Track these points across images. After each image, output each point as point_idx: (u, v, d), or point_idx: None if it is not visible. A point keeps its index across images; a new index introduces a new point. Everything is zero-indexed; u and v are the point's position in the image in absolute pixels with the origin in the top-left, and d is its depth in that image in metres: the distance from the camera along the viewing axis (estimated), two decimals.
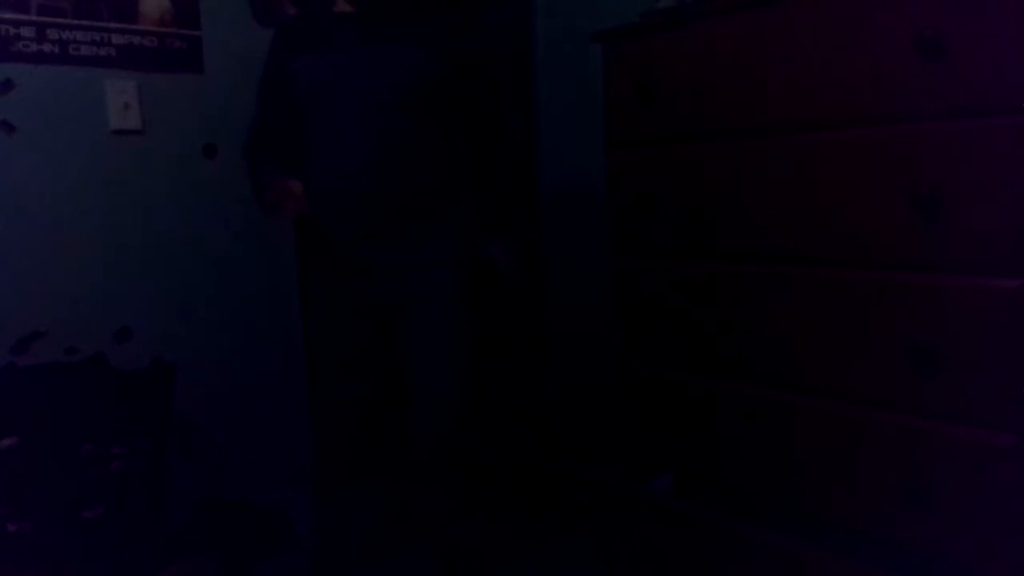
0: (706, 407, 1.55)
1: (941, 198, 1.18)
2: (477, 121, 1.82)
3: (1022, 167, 1.10)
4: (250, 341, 2.16)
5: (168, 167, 2.00)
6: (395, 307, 1.74)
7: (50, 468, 1.58)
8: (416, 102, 1.66)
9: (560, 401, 2.58)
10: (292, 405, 2.25)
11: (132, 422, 1.68)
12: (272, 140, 1.81)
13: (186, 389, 1.92)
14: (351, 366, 1.78)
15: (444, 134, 1.74)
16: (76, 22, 1.85)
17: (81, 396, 1.67)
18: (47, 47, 1.82)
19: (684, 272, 1.57)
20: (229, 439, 2.12)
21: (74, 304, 1.88)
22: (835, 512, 1.36)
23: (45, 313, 1.85)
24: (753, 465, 1.48)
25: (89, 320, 1.90)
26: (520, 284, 1.82)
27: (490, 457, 2.45)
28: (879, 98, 1.24)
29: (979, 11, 1.12)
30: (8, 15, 1.77)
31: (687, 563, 1.58)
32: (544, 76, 2.52)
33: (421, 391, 1.76)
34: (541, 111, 2.54)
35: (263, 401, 2.19)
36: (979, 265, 1.16)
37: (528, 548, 2.16)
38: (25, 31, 1.79)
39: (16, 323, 1.82)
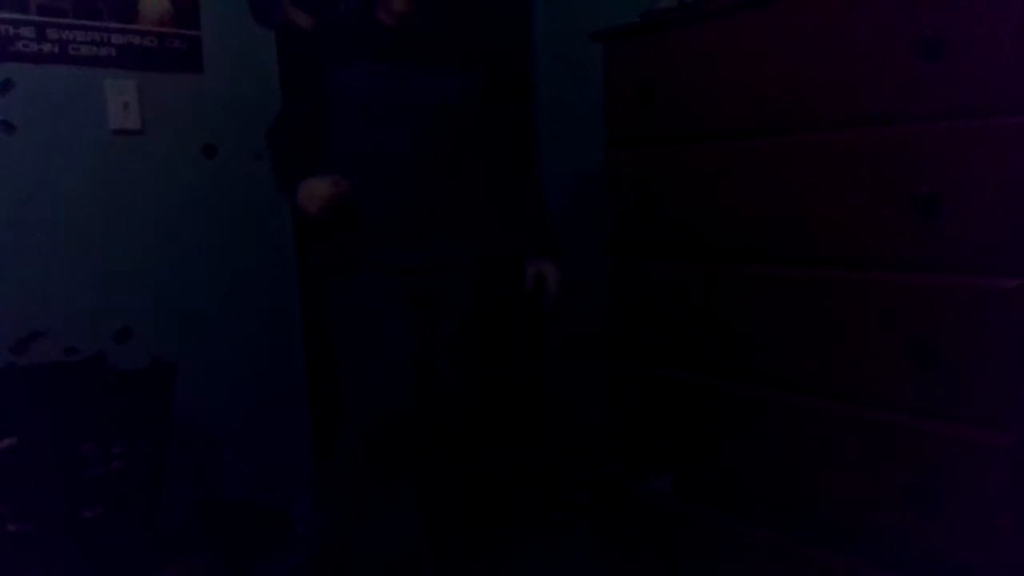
0: (706, 407, 1.55)
1: (941, 198, 1.18)
2: (505, 133, 1.85)
3: (1022, 167, 1.11)
4: (250, 341, 2.16)
5: (168, 167, 2.00)
6: (426, 300, 1.73)
7: (50, 468, 1.58)
8: (455, 119, 1.68)
9: (560, 401, 2.58)
10: (292, 405, 2.25)
11: (132, 422, 1.68)
12: (296, 135, 1.74)
13: (186, 389, 1.92)
14: (397, 365, 1.66)
15: (476, 148, 1.77)
16: (76, 22, 1.85)
17: (81, 396, 1.67)
18: (47, 47, 1.82)
19: (684, 272, 1.57)
20: (229, 439, 2.12)
21: (74, 304, 1.88)
22: (835, 512, 1.36)
23: (45, 313, 1.85)
24: (753, 465, 1.48)
25: (89, 320, 1.90)
26: (562, 303, 1.80)
27: (489, 457, 2.45)
28: (879, 98, 1.24)
29: (979, 11, 1.12)
30: (8, 15, 1.77)
31: (687, 563, 1.58)
32: (544, 76, 2.52)
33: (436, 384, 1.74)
34: (541, 111, 2.54)
35: (263, 401, 2.19)
36: (979, 265, 1.16)
37: (528, 549, 2.16)
38: (25, 31, 1.79)
39: (16, 323, 1.82)
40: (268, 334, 2.19)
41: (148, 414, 1.72)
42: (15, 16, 1.78)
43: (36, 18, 1.80)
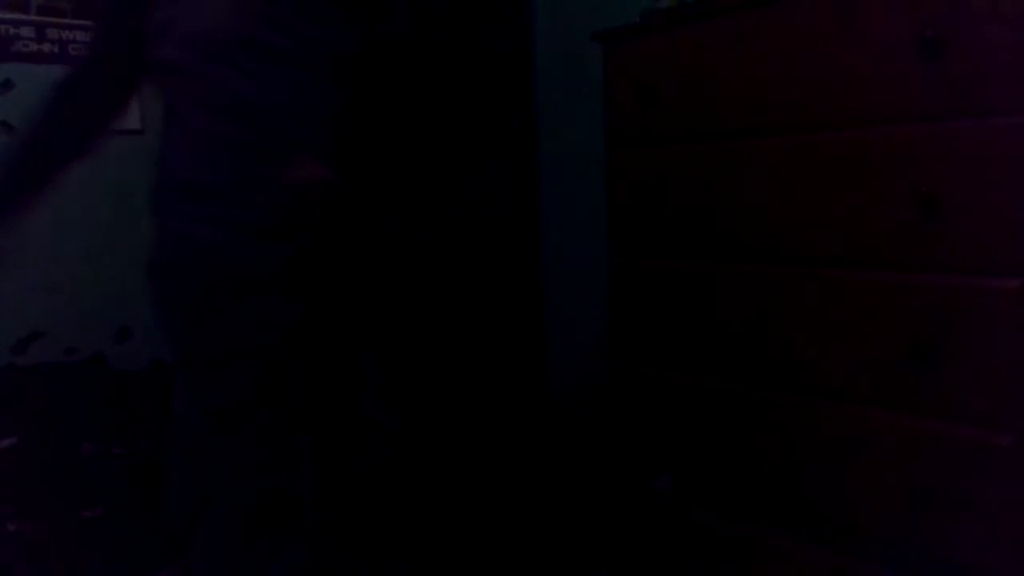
0: (706, 407, 1.55)
1: (941, 198, 1.18)
2: None
3: (1022, 168, 1.11)
4: None
5: None
6: None
7: (50, 468, 1.58)
8: None
9: (560, 402, 2.58)
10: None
11: (132, 422, 1.68)
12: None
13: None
14: None
15: None
16: (76, 22, 1.85)
17: (81, 396, 1.67)
18: (47, 47, 1.82)
19: (684, 272, 1.57)
20: None
21: (74, 304, 1.88)
22: (835, 512, 1.36)
23: (45, 313, 1.85)
24: (753, 465, 1.48)
25: (89, 320, 1.90)
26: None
27: (490, 457, 2.45)
28: (879, 98, 1.24)
29: (979, 11, 1.12)
30: (8, 15, 1.77)
31: (687, 563, 1.58)
32: (544, 76, 2.52)
33: None
34: (541, 111, 2.54)
35: None
36: (979, 265, 1.16)
37: (528, 548, 2.16)
38: (25, 31, 1.79)
39: (16, 323, 1.82)
40: None
41: (148, 414, 1.72)
42: (15, 16, 1.78)
43: (36, 18, 1.80)
